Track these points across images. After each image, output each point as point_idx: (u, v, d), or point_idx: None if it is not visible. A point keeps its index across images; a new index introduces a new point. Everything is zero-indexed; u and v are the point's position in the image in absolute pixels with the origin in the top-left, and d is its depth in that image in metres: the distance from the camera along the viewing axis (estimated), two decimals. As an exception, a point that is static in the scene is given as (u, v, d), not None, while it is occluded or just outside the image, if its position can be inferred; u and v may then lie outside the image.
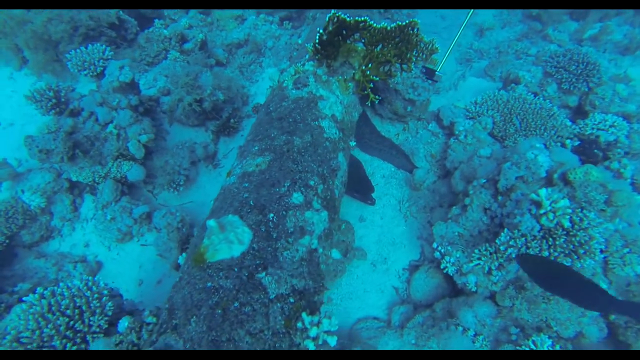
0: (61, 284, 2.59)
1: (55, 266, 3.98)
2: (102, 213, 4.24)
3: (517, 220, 3.01)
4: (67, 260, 4.09)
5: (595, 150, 4.33)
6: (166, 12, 6.43)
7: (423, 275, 4.16)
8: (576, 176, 3.26)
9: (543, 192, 2.94)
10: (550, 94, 5.25)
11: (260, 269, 2.36)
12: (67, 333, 2.35)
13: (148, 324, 2.22)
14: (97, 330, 2.42)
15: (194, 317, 2.13)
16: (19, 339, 2.31)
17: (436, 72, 4.94)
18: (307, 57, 3.85)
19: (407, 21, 3.69)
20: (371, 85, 3.88)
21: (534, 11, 7.54)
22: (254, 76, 6.39)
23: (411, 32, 3.73)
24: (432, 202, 4.58)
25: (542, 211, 2.91)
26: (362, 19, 3.57)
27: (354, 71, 3.97)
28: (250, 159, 3.00)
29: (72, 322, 2.40)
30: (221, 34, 6.50)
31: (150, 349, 1.96)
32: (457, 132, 4.57)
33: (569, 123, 4.60)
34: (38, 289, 2.59)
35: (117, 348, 2.02)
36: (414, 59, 4.52)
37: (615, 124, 4.34)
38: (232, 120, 5.40)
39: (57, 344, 2.30)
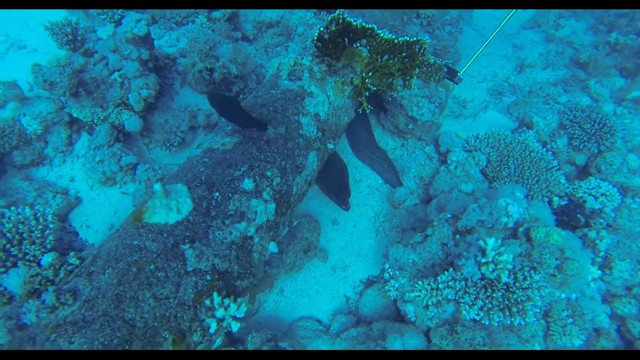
0: (12, 208, 2.77)
1: (36, 192, 4.22)
2: (92, 153, 4.44)
3: (462, 262, 2.97)
4: (50, 189, 4.33)
5: (579, 215, 4.18)
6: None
7: (375, 293, 4.17)
8: (538, 235, 3.18)
9: (491, 242, 2.89)
10: (558, 146, 5.08)
11: (187, 241, 2.46)
12: (0, 254, 2.53)
13: (70, 264, 2.36)
14: (31, 259, 2.59)
15: (110, 268, 2.25)
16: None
17: (458, 74, 4.92)
18: (311, 51, 3.87)
19: (414, 38, 3.64)
20: (367, 93, 3.87)
21: (582, 57, 7.25)
22: (277, 58, 6.45)
23: (417, 50, 3.68)
24: (406, 223, 4.55)
25: (484, 260, 2.86)
26: (369, 26, 3.56)
27: (354, 75, 3.96)
28: (220, 137, 3.08)
29: (8, 245, 2.57)
30: (256, 10, 6.56)
31: (58, 287, 2.09)
32: (449, 162, 4.50)
33: (563, 180, 4.45)
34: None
35: (31, 280, 2.16)
36: (419, 76, 4.48)
37: (608, 193, 4.17)
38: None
39: (-8, 259, 2.48)
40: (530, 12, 9.46)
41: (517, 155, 4.55)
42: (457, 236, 3.32)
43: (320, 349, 3.86)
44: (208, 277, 2.46)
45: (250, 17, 6.45)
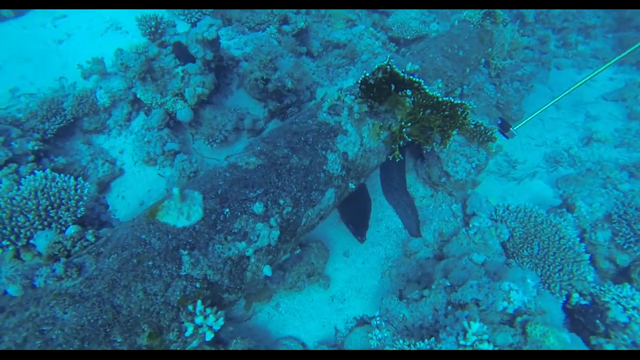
0: (61, 174, 3.17)
1: (90, 156, 4.73)
2: (143, 133, 4.88)
3: (443, 336, 2.95)
4: (102, 157, 4.83)
5: (598, 322, 3.94)
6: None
7: (363, 334, 4.20)
8: (533, 331, 3.07)
9: (475, 326, 2.85)
10: (598, 239, 4.79)
11: (187, 247, 2.69)
12: (41, 212, 2.91)
13: (87, 240, 2.68)
14: (62, 224, 2.96)
15: (116, 254, 2.54)
16: (12, 198, 2.92)
17: (511, 129, 4.86)
18: (356, 90, 4.00)
19: (459, 101, 3.64)
20: (401, 142, 3.93)
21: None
22: (336, 79, 6.65)
23: (459, 112, 3.68)
24: (413, 274, 4.54)
25: (462, 342, 2.83)
26: (416, 79, 3.62)
27: (394, 121, 4.03)
28: (246, 155, 3.30)
29: (49, 207, 2.95)
30: (327, 29, 6.80)
31: (69, 260, 2.40)
32: (470, 226, 4.43)
33: (590, 278, 4.20)
34: (47, 170, 3.20)
35: (52, 246, 2.50)
36: (462, 133, 4.45)
37: (643, 309, 3.88)
38: (289, 109, 5.74)
39: (30, 216, 2.87)
40: (616, 84, 8.90)
41: (545, 238, 4.36)
42: (449, 307, 3.30)
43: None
44: (197, 285, 2.68)
45: (320, 34, 6.69)
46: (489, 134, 4.53)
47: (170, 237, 2.68)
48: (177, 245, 2.66)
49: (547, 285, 4.13)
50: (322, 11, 6.82)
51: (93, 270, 2.41)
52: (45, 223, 2.90)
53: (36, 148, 4.19)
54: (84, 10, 6.55)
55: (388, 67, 3.48)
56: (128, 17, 6.27)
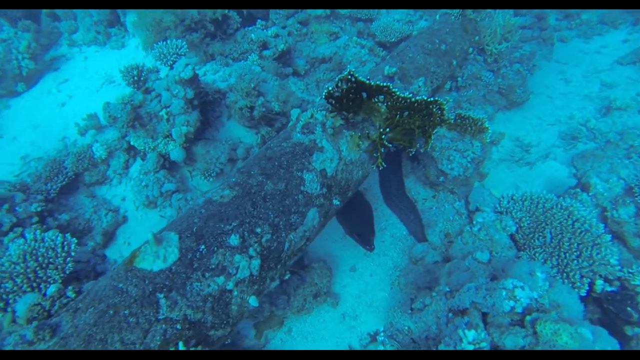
0: (49, 233, 3.31)
1: (93, 208, 4.93)
2: (140, 178, 5.04)
3: (442, 347, 2.77)
4: (104, 207, 5.02)
5: (629, 309, 3.58)
6: (271, 13, 6.96)
7: (379, 347, 4.05)
8: (544, 330, 2.82)
9: (470, 334, 2.65)
10: (621, 217, 4.42)
11: (165, 290, 2.70)
12: (30, 275, 3.03)
13: (67, 297, 2.75)
14: (51, 282, 3.06)
15: (92, 307, 2.58)
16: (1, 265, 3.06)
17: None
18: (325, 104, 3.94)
19: (432, 99, 3.51)
20: (382, 150, 3.82)
21: None
22: (327, 93, 6.63)
23: (435, 110, 3.54)
24: (422, 281, 4.35)
25: (459, 348, 2.64)
26: (384, 84, 3.52)
27: (373, 129, 3.93)
28: (221, 189, 3.31)
29: (37, 268, 3.07)
30: (311, 45, 6.83)
31: (41, 322, 2.46)
32: (474, 222, 4.21)
33: (614, 261, 3.85)
34: (35, 231, 3.34)
35: (31, 309, 2.58)
36: (453, 128, 4.28)
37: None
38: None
39: (18, 280, 2.99)
40: (632, 45, 8.35)
41: (557, 224, 4.07)
42: (450, 314, 3.11)
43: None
44: (178, 326, 2.67)
45: (304, 52, 6.73)
46: (479, 124, 4.33)
47: (147, 282, 2.71)
48: (154, 290, 2.68)
49: (565, 274, 3.82)
50: (304, 29, 6.88)
51: (69, 329, 2.47)
52: (34, 285, 3.01)
53: (39, 209, 4.42)
54: (83, 71, 6.96)
55: (349, 76, 3.41)
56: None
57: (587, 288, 3.74)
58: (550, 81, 7.91)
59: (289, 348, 4.44)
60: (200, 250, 2.91)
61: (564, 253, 3.90)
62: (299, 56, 6.66)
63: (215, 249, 2.94)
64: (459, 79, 6.27)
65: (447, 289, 3.32)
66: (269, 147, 3.75)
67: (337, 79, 3.44)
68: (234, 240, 2.99)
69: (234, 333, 4.34)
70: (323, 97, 3.52)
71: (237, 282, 2.96)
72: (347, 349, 4.35)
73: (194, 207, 3.27)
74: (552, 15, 9.19)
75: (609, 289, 3.73)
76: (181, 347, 2.60)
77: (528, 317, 2.99)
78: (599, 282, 3.76)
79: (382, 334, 3.52)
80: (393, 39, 6.57)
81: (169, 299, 2.68)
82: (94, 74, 6.81)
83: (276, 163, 3.50)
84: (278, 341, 4.49)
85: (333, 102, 3.62)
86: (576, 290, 3.59)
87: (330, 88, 3.46)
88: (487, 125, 4.32)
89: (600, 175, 4.79)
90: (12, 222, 4.18)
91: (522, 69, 7.32)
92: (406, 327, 3.48)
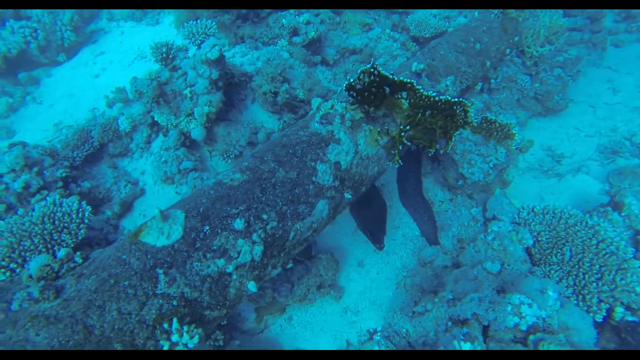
0: (66, 199, 3.42)
1: (114, 179, 5.08)
2: (161, 153, 5.14)
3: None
4: (125, 179, 5.16)
5: (647, 338, 3.37)
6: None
7: (374, 346, 4.02)
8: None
9: (466, 346, 2.56)
10: (652, 241, 4.14)
11: (165, 266, 2.75)
12: (46, 236, 3.16)
13: (74, 262, 2.85)
14: (64, 245, 3.18)
15: (96, 275, 2.66)
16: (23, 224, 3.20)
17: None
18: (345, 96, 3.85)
19: (457, 99, 3.37)
20: (400, 147, 3.71)
21: None
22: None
23: (458, 111, 3.40)
24: (428, 285, 4.26)
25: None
26: (409, 80, 3.41)
27: (393, 125, 3.83)
28: (232, 172, 3.31)
29: (53, 231, 3.19)
30: (343, 35, 6.70)
31: (51, 282, 2.56)
32: (489, 231, 4.06)
33: (639, 290, 3.62)
34: (55, 196, 3.47)
35: (42, 269, 2.68)
36: (478, 131, 4.12)
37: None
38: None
39: (36, 240, 3.12)
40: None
41: (579, 242, 3.85)
42: (449, 323, 3.02)
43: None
44: (174, 303, 2.72)
45: (335, 42, 6.62)
46: (506, 130, 4.14)
47: (149, 256, 2.76)
48: (155, 264, 2.73)
49: (581, 297, 3.63)
50: (337, 18, 6.75)
51: (72, 292, 2.55)
52: (49, 246, 3.13)
53: (64, 175, 4.58)
54: (119, 45, 7.14)
55: (372, 69, 3.32)
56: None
57: (605, 314, 3.53)
58: (594, 89, 7.45)
59: (288, 336, 4.47)
60: (204, 230, 2.93)
61: (583, 274, 3.69)
62: (329, 45, 6.56)
63: (219, 231, 2.96)
64: (492, 80, 6.01)
65: (450, 297, 3.22)
66: (286, 134, 3.72)
67: (359, 71, 3.35)
68: (239, 224, 2.99)
69: (233, 314, 4.40)
70: (344, 88, 3.44)
71: (238, 266, 2.97)
72: (345, 344, 4.33)
73: (203, 188, 3.29)
74: (609, 16, 8.59)
75: (630, 318, 3.51)
76: (175, 324, 2.65)
77: (532, 337, 2.87)
78: (619, 310, 3.53)
79: (379, 333, 3.48)
80: (427, 35, 6.35)
81: (168, 275, 2.73)
82: (128, 49, 6.96)
83: (290, 151, 3.47)
84: (277, 327, 4.52)
85: (354, 94, 3.53)
86: (591, 315, 3.39)
87: (351, 80, 3.38)
88: (514, 132, 4.12)
89: (638, 196, 4.49)
90: (39, 184, 4.36)
91: (563, 75, 6.94)
92: (404, 330, 3.41)
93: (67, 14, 7.09)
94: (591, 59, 8.00)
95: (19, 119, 6.27)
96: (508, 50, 5.69)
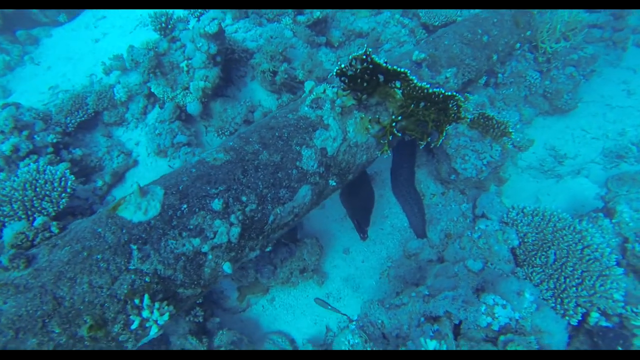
0: (50, 167, 3.42)
1: (107, 148, 5.06)
2: (155, 125, 5.10)
3: (403, 349, 2.70)
4: (118, 149, 5.14)
5: (619, 348, 3.35)
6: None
7: (349, 336, 4.05)
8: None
9: (431, 344, 2.55)
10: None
11: (140, 242, 2.75)
12: (26, 203, 3.17)
13: (50, 231, 2.86)
14: (45, 214, 3.19)
15: (69, 246, 2.67)
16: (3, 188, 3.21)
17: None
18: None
19: (450, 93, 3.26)
20: (390, 138, 3.63)
21: None
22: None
23: (450, 105, 3.30)
24: (411, 277, 4.25)
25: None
26: (402, 70, 3.30)
27: (386, 115, 3.74)
28: (216, 151, 3.27)
29: (34, 198, 3.20)
30: (350, 17, 6.50)
31: (22, 251, 2.58)
32: (475, 228, 4.01)
33: (618, 297, 3.58)
34: (39, 163, 3.46)
35: (16, 237, 2.70)
36: (474, 126, 4.03)
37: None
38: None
39: (15, 206, 3.13)
40: None
41: (564, 246, 3.80)
42: (422, 319, 3.01)
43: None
44: (147, 279, 2.73)
45: (342, 24, 6.43)
46: (502, 128, 4.03)
47: (124, 231, 2.76)
48: (129, 240, 2.73)
49: (559, 300, 3.60)
50: (346, -2, 6.52)
51: (44, 262, 2.57)
52: (29, 213, 3.14)
53: (55, 141, 4.58)
54: (121, 10, 6.98)
55: (364, 56, 3.21)
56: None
57: (580, 318, 3.52)
58: (608, 90, 7.20)
59: (268, 316, 4.52)
60: (182, 209, 2.92)
61: (564, 278, 3.66)
62: (335, 26, 6.37)
63: (197, 210, 2.94)
64: (500, 75, 5.83)
65: (427, 292, 3.21)
66: (275, 116, 3.65)
67: (350, 57, 3.24)
68: (217, 204, 2.97)
69: (216, 291, 4.45)
70: (334, 73, 3.34)
71: (213, 247, 2.96)
72: (324, 329, 4.38)
73: (186, 165, 3.26)
74: (635, 14, 8.20)
75: (604, 323, 3.49)
76: (146, 300, 2.67)
77: (502, 337, 2.86)
78: (595, 315, 3.52)
79: (354, 322, 3.49)
80: (437, 23, 6.14)
81: (142, 251, 2.73)
82: (130, 14, 6.82)
83: (277, 134, 3.42)
84: (259, 307, 4.58)
85: (346, 80, 3.43)
86: (566, 319, 3.37)
87: (342, 65, 3.28)
88: (510, 130, 4.01)
89: (632, 204, 4.39)
90: (28, 148, 4.36)
91: (576, 74, 6.71)
92: (380, 321, 3.42)
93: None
94: (609, 59, 7.70)
95: (16, 78, 6.23)
96: (518, 45, 5.49)
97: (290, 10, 5.72)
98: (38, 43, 6.70)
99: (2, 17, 6.52)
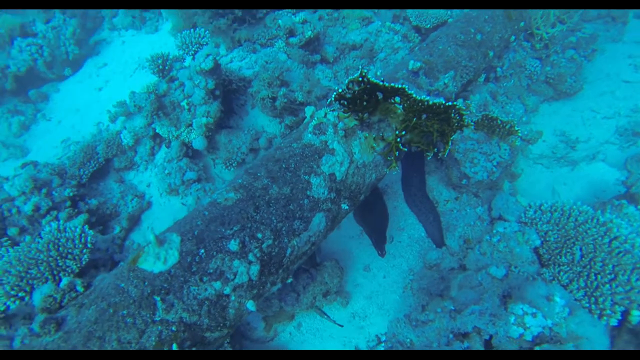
0: (69, 224, 3.51)
1: (120, 194, 5.17)
2: (164, 165, 5.20)
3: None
4: (131, 192, 5.25)
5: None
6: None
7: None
8: (551, 365, 2.62)
9: (464, 365, 2.51)
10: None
11: (162, 292, 2.79)
12: (52, 264, 3.25)
13: (76, 291, 2.92)
14: (69, 272, 3.27)
15: (95, 305, 2.73)
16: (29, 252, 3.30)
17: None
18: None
19: (450, 103, 3.25)
20: (397, 153, 3.63)
21: None
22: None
23: (452, 114, 3.28)
24: (435, 288, 4.20)
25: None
26: (400, 86, 3.31)
27: (389, 131, 3.74)
28: (226, 191, 3.31)
29: (58, 257, 3.28)
30: (342, 31, 6.54)
31: (51, 315, 2.64)
32: (494, 232, 3.95)
33: (660, 292, 3.46)
34: (59, 221, 3.56)
35: (45, 300, 2.77)
36: (480, 128, 4.00)
37: None
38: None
39: (42, 268, 3.22)
40: None
41: (590, 241, 3.71)
42: (451, 336, 2.97)
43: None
44: (173, 328, 2.77)
45: (335, 38, 6.48)
46: (508, 127, 3.98)
47: (146, 283, 2.80)
48: (152, 291, 2.77)
49: (593, 299, 3.50)
50: (336, 14, 6.58)
51: (73, 324, 2.63)
52: (55, 272, 3.22)
53: (71, 194, 4.70)
54: (120, 55, 7.19)
55: (360, 78, 3.23)
56: (150, 50, 6.75)
57: (620, 317, 3.40)
58: (613, 68, 7.03)
59: (297, 343, 4.51)
60: (200, 254, 2.95)
61: (595, 275, 3.56)
62: (329, 42, 6.42)
63: (215, 253, 2.98)
64: (499, 69, 5.78)
65: (452, 307, 3.17)
66: (279, 147, 3.68)
67: (346, 81, 3.27)
68: (234, 245, 3.00)
69: (243, 324, 4.47)
70: (333, 99, 3.36)
71: (235, 287, 2.99)
72: (354, 349, 4.35)
73: (198, 208, 3.31)
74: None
75: (647, 323, 3.37)
76: (174, 348, 2.70)
77: (537, 348, 2.79)
78: (636, 313, 3.39)
79: (382, 344, 3.47)
80: (428, 25, 6.13)
81: (166, 301, 2.77)
82: (129, 59, 7.01)
83: (284, 165, 3.44)
84: (287, 335, 4.58)
85: (345, 103, 3.45)
86: (604, 321, 3.27)
87: (340, 90, 3.30)
88: (517, 129, 3.96)
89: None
90: (48, 205, 4.49)
91: (576, 56, 6.60)
92: (408, 340, 3.39)
93: (69, 29, 7.17)
94: (610, 35, 7.54)
95: (31, 137, 6.45)
96: (513, 38, 5.44)
97: (282, 33, 5.79)
98: (48, 99, 6.94)
99: (15, 80, 6.78)
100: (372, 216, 4.64)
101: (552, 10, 6.32)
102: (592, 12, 7.58)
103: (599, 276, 3.57)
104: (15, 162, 5.92)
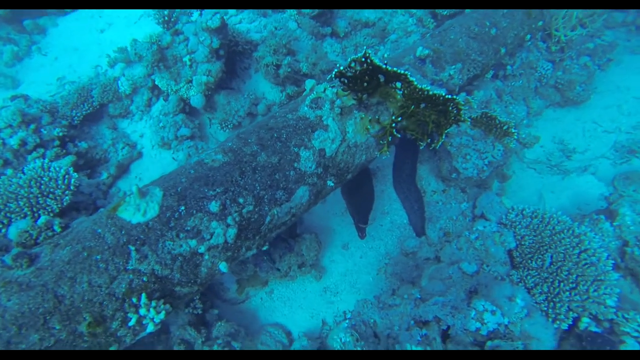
0: (55, 164, 3.51)
1: (112, 140, 5.15)
2: (159, 118, 5.15)
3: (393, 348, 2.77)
4: (123, 141, 5.22)
5: (609, 353, 3.36)
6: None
7: (340, 333, 4.14)
8: None
9: (408, 347, 2.61)
10: (641, 255, 4.04)
11: (138, 243, 2.83)
12: (32, 200, 3.27)
13: (53, 230, 2.96)
14: (49, 210, 3.29)
15: (70, 246, 2.77)
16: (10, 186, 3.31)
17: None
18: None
19: (450, 96, 3.22)
20: (390, 138, 3.62)
21: None
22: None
23: (450, 108, 3.26)
24: (408, 275, 4.30)
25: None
26: (402, 72, 3.26)
27: (386, 114, 3.71)
28: (214, 152, 3.31)
29: (39, 195, 3.30)
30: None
31: (25, 250, 2.68)
32: (473, 229, 4.01)
33: (611, 302, 3.57)
34: (44, 160, 3.55)
35: (21, 235, 2.80)
36: (477, 125, 3.98)
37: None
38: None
39: (21, 203, 3.24)
40: None
41: (561, 250, 3.79)
42: (412, 322, 3.07)
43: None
44: (144, 279, 2.83)
45: (348, 13, 6.31)
46: (505, 128, 3.97)
47: (123, 232, 2.84)
48: (128, 241, 2.81)
49: (552, 304, 3.61)
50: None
51: (46, 261, 2.67)
52: (34, 209, 3.25)
53: (61, 134, 4.66)
54: (127, -2, 6.93)
55: (363, 59, 3.17)
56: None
57: (571, 323, 3.54)
58: (626, 81, 6.90)
59: (266, 308, 4.63)
60: (180, 210, 2.98)
61: (559, 282, 3.66)
62: (342, 16, 6.25)
63: (194, 212, 3.00)
64: (509, 67, 5.69)
65: (419, 295, 3.25)
66: (274, 115, 3.65)
67: (349, 60, 3.21)
68: (214, 206, 3.03)
69: (216, 283, 4.57)
70: (333, 75, 3.31)
71: (210, 247, 3.03)
72: (321, 322, 4.48)
73: (185, 166, 3.31)
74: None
75: (594, 329, 3.50)
76: (144, 298, 2.77)
77: (489, 343, 2.90)
78: (585, 320, 3.53)
79: (347, 321, 3.57)
80: (445, 12, 5.98)
81: (140, 252, 2.82)
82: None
83: (275, 135, 3.43)
84: (258, 299, 4.69)
85: (346, 81, 3.40)
86: (556, 325, 3.39)
87: (341, 67, 3.24)
88: (513, 131, 3.94)
89: (635, 206, 4.32)
90: (35, 142, 4.46)
91: (590, 64, 6.48)
92: (372, 320, 3.49)
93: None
94: (630, 45, 7.33)
95: (24, 69, 6.30)
96: (529, 36, 5.33)
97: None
98: (45, 33, 6.73)
99: (10, 7, 6.54)
100: (358, 197, 4.66)
101: (575, 11, 6.16)
102: (618, 18, 7.35)
103: (562, 284, 3.67)
104: (4, 92, 5.81)
